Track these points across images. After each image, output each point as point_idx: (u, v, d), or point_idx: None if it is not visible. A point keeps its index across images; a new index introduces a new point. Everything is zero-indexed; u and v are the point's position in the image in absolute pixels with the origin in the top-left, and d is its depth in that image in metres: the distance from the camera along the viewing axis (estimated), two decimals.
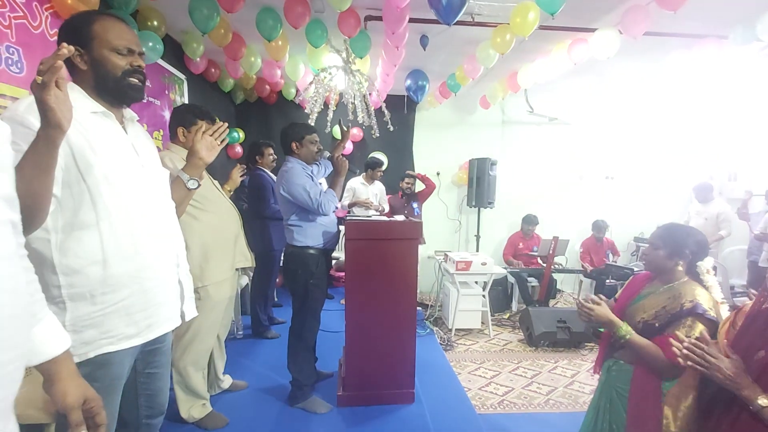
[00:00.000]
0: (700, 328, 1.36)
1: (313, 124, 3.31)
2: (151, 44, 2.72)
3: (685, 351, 1.16)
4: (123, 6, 2.43)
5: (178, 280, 1.23)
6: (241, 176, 2.79)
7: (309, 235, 2.25)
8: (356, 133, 5.13)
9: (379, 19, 2.84)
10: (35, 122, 0.89)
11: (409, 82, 4.11)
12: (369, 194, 4.33)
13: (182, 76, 3.55)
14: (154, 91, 3.10)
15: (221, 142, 1.46)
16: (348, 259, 2.20)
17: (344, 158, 2.35)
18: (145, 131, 1.31)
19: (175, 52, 3.38)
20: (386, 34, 2.82)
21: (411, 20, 2.77)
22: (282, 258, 2.51)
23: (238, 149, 4.79)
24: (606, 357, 1.67)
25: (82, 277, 1.02)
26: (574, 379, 3.22)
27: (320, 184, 2.41)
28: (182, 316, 1.24)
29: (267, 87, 4.57)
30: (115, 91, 1.12)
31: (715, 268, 1.55)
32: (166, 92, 3.31)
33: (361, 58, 3.25)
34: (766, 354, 1.06)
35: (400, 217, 2.61)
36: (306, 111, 3.25)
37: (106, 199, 1.05)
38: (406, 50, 3.20)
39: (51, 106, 0.82)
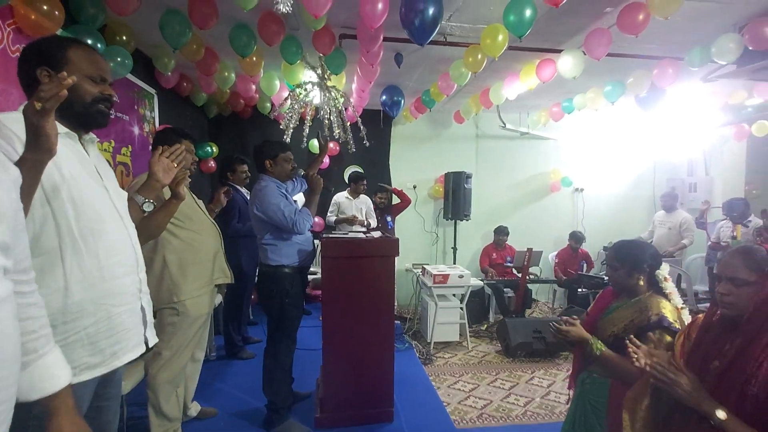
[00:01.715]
0: (667, 340, 1.43)
1: (288, 139, 3.31)
2: (119, 59, 2.66)
3: (645, 362, 1.21)
4: (90, 21, 2.36)
5: (141, 306, 1.19)
6: (227, 198, 2.78)
7: (284, 254, 2.22)
8: (332, 147, 5.13)
9: (354, 37, 2.87)
10: (2, 144, 0.90)
11: (384, 97, 4.16)
12: (354, 208, 4.32)
13: (152, 91, 3.47)
14: (122, 106, 3.02)
15: (178, 164, 1.45)
16: (324, 277, 2.18)
17: (319, 176, 2.34)
18: (101, 154, 1.29)
19: (145, 66, 3.30)
20: (361, 52, 2.85)
21: (385, 39, 2.81)
22: (256, 277, 2.47)
23: (212, 164, 4.69)
24: (580, 371, 1.71)
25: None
26: (551, 389, 3.27)
27: (295, 201, 2.39)
28: (146, 342, 1.20)
29: (241, 101, 4.53)
30: (82, 116, 1.11)
31: (679, 276, 1.64)
32: (135, 107, 3.22)
33: (336, 74, 3.28)
34: (720, 364, 1.12)
35: (376, 234, 2.62)
36: (281, 127, 3.23)
37: (71, 222, 1.02)
38: (381, 67, 3.24)
39: (48, 133, 0.84)
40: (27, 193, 0.86)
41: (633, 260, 1.54)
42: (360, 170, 5.02)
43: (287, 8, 1.77)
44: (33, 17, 2.00)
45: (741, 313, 1.08)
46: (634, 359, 1.23)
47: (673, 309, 1.47)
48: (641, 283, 1.55)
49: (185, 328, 2.02)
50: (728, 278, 1.11)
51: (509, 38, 2.58)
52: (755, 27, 2.51)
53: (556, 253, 5.34)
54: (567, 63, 3.01)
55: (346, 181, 4.42)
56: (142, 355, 1.19)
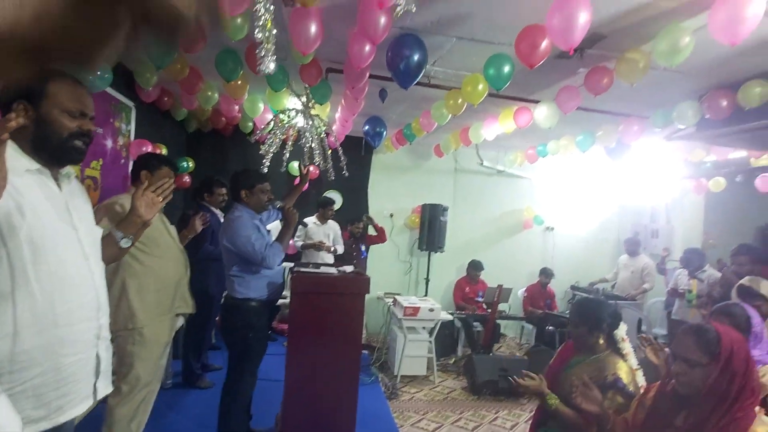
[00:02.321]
0: (619, 401, 1.47)
1: (267, 163, 3.29)
2: (99, 73, 2.60)
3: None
4: None
5: (97, 354, 1.13)
6: (203, 225, 2.70)
7: (252, 287, 2.17)
8: (312, 170, 5.13)
9: (341, 71, 2.93)
10: None
11: (367, 127, 4.22)
12: (322, 234, 4.30)
13: (130, 104, 3.41)
14: (98, 119, 2.90)
15: (163, 198, 1.42)
16: (292, 312, 2.15)
17: (295, 210, 2.32)
18: (80, 186, 1.24)
19: (125, 78, 3.24)
20: (347, 87, 2.90)
21: (371, 76, 2.88)
22: (220, 309, 2.39)
23: (187, 179, 4.60)
24: (539, 425, 1.74)
25: None
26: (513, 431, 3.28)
27: (269, 231, 2.36)
28: (95, 393, 1.14)
29: (223, 119, 4.49)
30: (57, 152, 1.08)
31: (640, 321, 1.71)
32: (111, 120, 3.15)
33: (321, 104, 3.31)
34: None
35: (348, 268, 2.61)
36: (261, 152, 3.21)
37: (26, 265, 0.97)
38: (365, 100, 3.30)
39: None
40: None
41: (593, 319, 1.60)
42: (334, 196, 5.02)
43: (269, 70, 1.80)
44: None
45: (695, 391, 1.13)
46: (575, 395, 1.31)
47: (629, 370, 1.52)
48: (600, 341, 1.60)
49: (143, 357, 1.94)
50: (683, 359, 1.16)
51: (489, 88, 2.69)
52: (713, 98, 2.72)
53: (525, 288, 5.45)
54: (543, 113, 3.16)
55: (316, 205, 4.41)
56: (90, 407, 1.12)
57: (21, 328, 0.95)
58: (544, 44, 1.98)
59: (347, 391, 2.21)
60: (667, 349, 1.72)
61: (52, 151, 1.07)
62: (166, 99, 3.75)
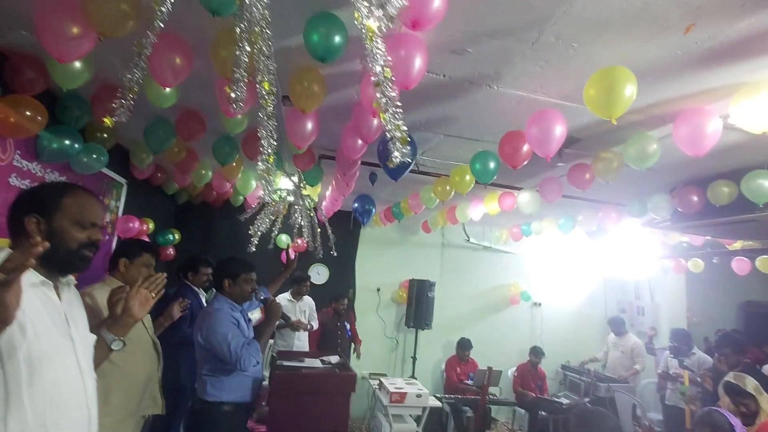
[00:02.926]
0: None
1: (256, 241, 3.28)
2: (95, 156, 2.65)
3: None
4: (73, 122, 2.40)
5: None
6: (181, 312, 2.57)
7: (225, 388, 1.99)
8: (299, 243, 5.12)
9: (332, 158, 3.05)
10: None
11: (356, 205, 4.30)
12: (297, 311, 4.17)
13: (123, 181, 3.44)
14: None
15: (156, 293, 1.39)
16: (272, 414, 2.00)
17: (278, 303, 2.20)
18: (76, 293, 1.21)
19: (119, 156, 3.30)
20: (338, 172, 3.01)
21: (362, 163, 3.01)
22: (187, 414, 2.18)
23: (171, 251, 4.52)
24: None
25: None
26: None
27: (249, 321, 2.26)
28: None
29: (214, 193, 4.54)
30: (64, 263, 1.08)
31: (634, 406, 1.63)
32: (101, 198, 3.15)
33: (312, 186, 3.40)
34: None
35: (334, 359, 2.50)
36: (250, 233, 3.21)
37: (22, 386, 0.92)
38: (355, 182, 3.40)
39: (8, 304, 0.78)
40: None
41: None
42: (318, 272, 4.98)
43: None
44: (12, 119, 2.00)
45: None
46: None
47: None
48: None
49: None
50: None
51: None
52: (683, 193, 2.89)
53: (515, 367, 5.27)
54: (525, 199, 3.30)
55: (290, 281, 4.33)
56: None
57: None
58: (525, 148, 2.12)
59: None
60: None
61: (60, 262, 1.07)
62: (159, 175, 3.80)
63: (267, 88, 1.06)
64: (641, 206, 3.21)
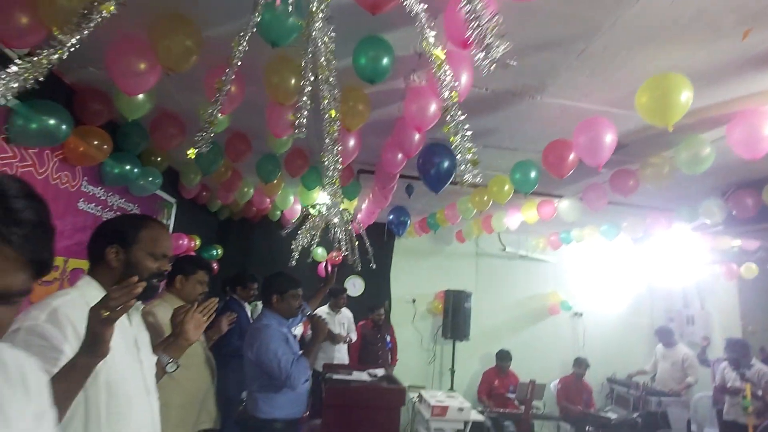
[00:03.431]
0: None
1: (297, 256, 3.36)
2: (150, 179, 2.82)
3: None
4: (132, 148, 2.57)
5: None
6: (229, 326, 2.65)
7: (278, 405, 2.02)
8: (335, 256, 5.21)
9: (371, 172, 3.11)
10: (56, 334, 0.89)
11: (391, 216, 4.35)
12: (336, 324, 4.22)
13: (173, 200, 3.62)
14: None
15: (208, 318, 1.45)
16: (325, 427, 2.03)
17: (324, 320, 2.23)
18: (140, 317, 1.29)
19: (170, 178, 3.48)
20: (377, 186, 3.06)
21: (400, 176, 3.05)
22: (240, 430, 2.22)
23: (215, 265, 4.69)
24: None
25: None
26: None
27: (295, 336, 2.29)
28: None
29: (254, 209, 4.70)
30: None
31: (689, 421, 1.52)
32: (155, 217, 3.32)
33: (350, 200, 3.47)
34: None
35: (380, 371, 2.52)
36: (292, 247, 3.30)
37: (101, 408, 0.99)
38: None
39: (107, 340, 0.84)
40: (69, 397, 0.84)
41: None
42: (354, 284, 5.02)
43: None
44: (81, 149, 2.16)
45: None
46: None
47: None
48: None
49: None
50: None
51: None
52: (738, 196, 2.77)
53: (558, 380, 5.10)
54: (566, 207, 3.24)
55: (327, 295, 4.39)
56: None
57: None
58: (572, 157, 2.10)
59: None
60: None
61: None
62: (204, 194, 3.99)
63: (333, 115, 1.11)
64: (692, 211, 3.09)
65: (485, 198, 3.08)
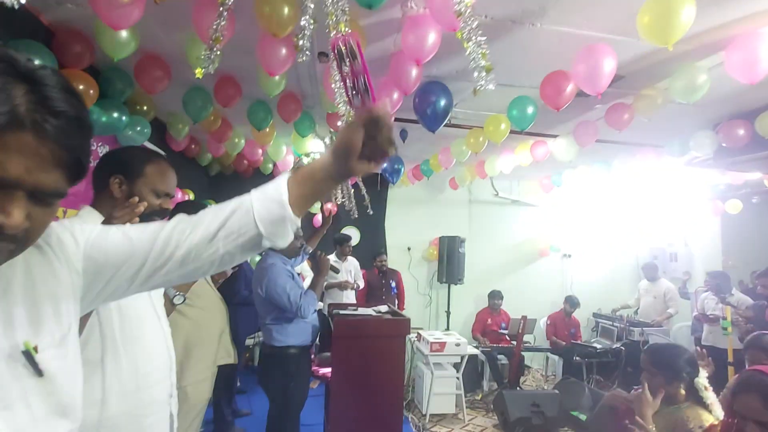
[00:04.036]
0: None
1: None
2: (139, 128, 2.74)
3: None
4: (117, 95, 2.47)
5: (170, 413, 1.15)
6: (232, 269, 2.71)
7: (290, 334, 2.18)
8: (330, 207, 5.22)
9: None
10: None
11: (385, 164, 4.34)
12: (343, 271, 4.32)
13: (162, 153, 3.54)
14: None
15: None
16: (335, 357, 2.15)
17: (326, 257, 2.35)
18: None
19: (157, 130, 3.39)
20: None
21: (395, 120, 3.01)
22: (259, 359, 2.39)
23: None
24: None
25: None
26: None
27: (299, 274, 2.40)
28: None
29: (245, 162, 4.63)
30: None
31: (708, 378, 1.63)
32: None
33: None
34: None
35: (383, 308, 2.63)
36: None
37: (115, 331, 1.02)
38: None
39: None
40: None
41: (671, 367, 1.53)
42: (352, 232, 5.08)
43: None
44: None
45: None
46: None
47: (716, 422, 1.47)
48: (682, 391, 1.53)
49: (182, 416, 1.90)
50: (754, 421, 1.13)
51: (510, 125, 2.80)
52: (728, 127, 2.81)
53: (547, 317, 5.38)
54: (561, 147, 3.26)
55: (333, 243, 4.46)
56: None
57: (108, 394, 0.98)
58: (569, 88, 2.09)
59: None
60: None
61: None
62: (193, 147, 3.90)
63: (342, 29, 1.07)
64: (682, 145, 3.13)
65: (480, 139, 3.07)
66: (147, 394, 1.06)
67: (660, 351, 1.62)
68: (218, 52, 1.10)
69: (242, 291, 3.09)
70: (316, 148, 3.60)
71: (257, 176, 4.99)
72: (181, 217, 0.68)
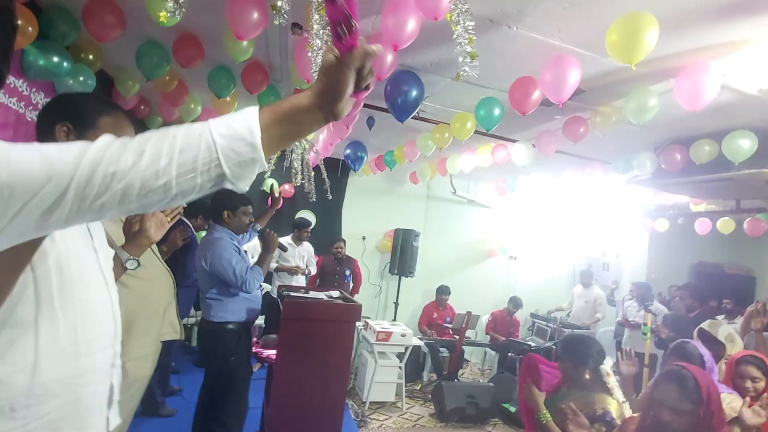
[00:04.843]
0: (604, 431, 1.58)
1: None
2: (82, 79, 2.48)
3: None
4: (60, 38, 2.21)
5: (111, 384, 1.06)
6: (183, 241, 2.54)
7: (229, 310, 2.13)
8: (288, 189, 5.08)
9: None
10: None
11: (348, 151, 4.28)
12: (296, 256, 4.24)
13: (119, 105, 3.24)
14: None
15: (172, 219, 1.39)
16: (282, 338, 2.10)
17: (274, 234, 2.30)
18: None
19: (103, 84, 3.09)
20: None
21: (364, 105, 2.97)
22: (198, 337, 2.30)
23: None
24: None
25: (4, 388, 0.84)
26: None
27: (245, 251, 2.33)
28: (107, 424, 1.06)
29: None
30: None
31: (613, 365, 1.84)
32: None
33: None
34: None
35: (334, 293, 2.60)
36: None
37: (53, 291, 0.91)
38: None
39: None
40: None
41: (580, 355, 1.72)
42: (308, 216, 4.99)
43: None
44: None
45: None
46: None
47: (618, 405, 1.63)
48: (587, 376, 1.71)
49: (123, 391, 1.79)
50: (669, 408, 1.27)
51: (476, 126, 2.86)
52: (668, 151, 3.06)
53: (490, 314, 5.63)
54: (520, 152, 3.38)
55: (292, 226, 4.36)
56: None
57: (41, 358, 0.89)
58: (536, 95, 2.16)
59: (333, 419, 2.17)
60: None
61: None
62: (142, 107, 3.61)
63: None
64: (627, 163, 3.37)
65: (446, 135, 3.11)
66: (87, 361, 0.97)
67: (571, 341, 1.81)
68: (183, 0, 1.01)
69: (187, 271, 2.93)
70: None
71: None
72: (108, 138, 0.57)
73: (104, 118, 1.00)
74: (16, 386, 0.85)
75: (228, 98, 3.11)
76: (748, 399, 1.57)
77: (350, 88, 0.62)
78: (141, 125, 4.03)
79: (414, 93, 2.46)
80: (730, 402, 1.56)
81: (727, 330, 2.54)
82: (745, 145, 2.60)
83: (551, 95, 2.01)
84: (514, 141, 3.49)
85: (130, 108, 3.40)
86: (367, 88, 0.64)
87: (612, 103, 2.64)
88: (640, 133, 3.17)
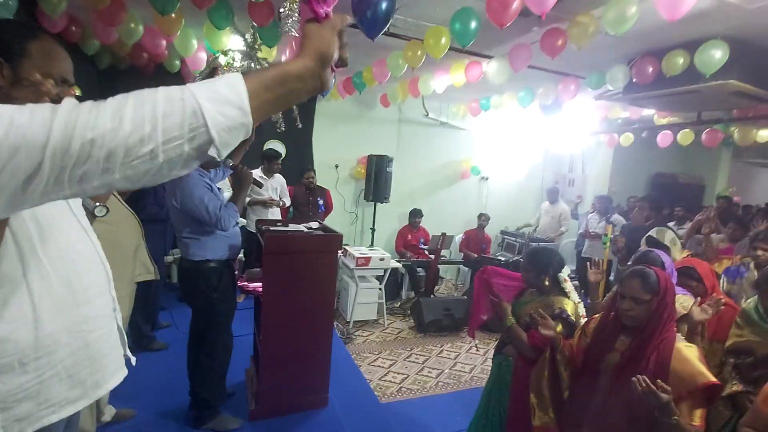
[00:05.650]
0: (564, 329, 1.76)
1: None
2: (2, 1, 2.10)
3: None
4: None
5: (117, 326, 1.09)
6: None
7: (208, 248, 2.07)
8: None
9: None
10: None
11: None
12: (269, 188, 4.14)
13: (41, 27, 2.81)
14: None
15: None
16: (266, 273, 2.12)
17: (248, 169, 2.18)
18: None
19: (25, 3, 2.64)
20: (301, 30, 2.69)
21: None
22: (178, 275, 2.27)
23: None
24: (496, 352, 2.03)
25: (8, 346, 0.84)
26: (457, 360, 3.72)
27: (220, 189, 2.24)
28: (128, 363, 1.11)
29: (145, 55, 3.92)
30: None
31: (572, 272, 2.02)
32: None
33: (269, 47, 3.05)
34: (619, 359, 1.45)
35: (314, 224, 2.60)
36: None
37: (35, 245, 0.88)
38: None
39: None
40: None
41: (542, 264, 1.86)
42: (277, 147, 4.79)
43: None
44: None
45: (638, 322, 1.41)
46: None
47: (573, 305, 1.82)
48: (547, 282, 1.87)
49: None
50: (630, 297, 1.41)
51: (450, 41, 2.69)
52: (641, 64, 3.03)
53: (463, 233, 5.88)
54: (494, 69, 3.26)
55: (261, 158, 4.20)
56: None
57: (41, 312, 0.88)
58: (515, 5, 2.02)
59: (322, 343, 2.31)
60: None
61: None
62: (74, 29, 3.15)
63: None
64: (600, 77, 3.34)
65: (419, 53, 2.93)
66: (89, 308, 0.98)
67: (534, 252, 1.97)
68: None
69: (150, 206, 2.81)
70: (235, 45, 3.14)
71: (161, 74, 4.28)
72: (73, 101, 0.53)
73: (34, 43, 0.88)
74: (22, 341, 0.86)
75: (173, 15, 2.75)
76: (698, 299, 1.77)
77: (336, 53, 0.63)
78: (76, 52, 3.56)
79: (384, 5, 2.24)
80: (683, 302, 1.76)
81: (670, 236, 2.84)
82: (716, 55, 2.60)
83: (534, 5, 1.88)
84: (489, 57, 3.35)
85: (59, 31, 2.96)
86: (344, 63, 0.66)
87: (591, 11, 2.52)
88: (614, 46, 3.09)
